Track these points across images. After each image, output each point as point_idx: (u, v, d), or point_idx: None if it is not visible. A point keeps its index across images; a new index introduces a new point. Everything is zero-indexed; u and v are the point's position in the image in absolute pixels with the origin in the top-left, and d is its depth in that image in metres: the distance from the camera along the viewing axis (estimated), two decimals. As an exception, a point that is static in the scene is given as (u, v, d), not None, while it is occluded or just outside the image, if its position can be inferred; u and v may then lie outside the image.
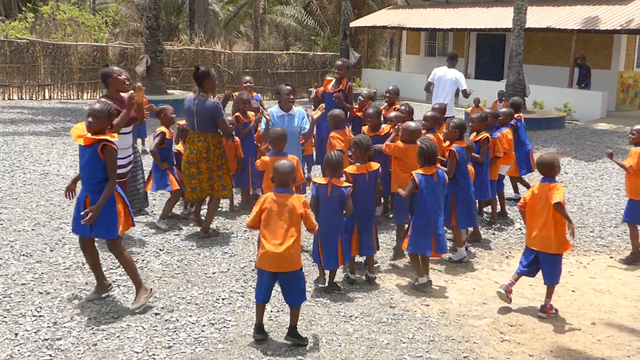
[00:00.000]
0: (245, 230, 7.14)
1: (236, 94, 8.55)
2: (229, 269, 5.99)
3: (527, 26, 16.45)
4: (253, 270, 5.86)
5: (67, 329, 4.66)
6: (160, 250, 6.43)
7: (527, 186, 8.35)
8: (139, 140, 10.97)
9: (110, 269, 5.77)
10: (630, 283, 6.11)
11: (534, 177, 9.49)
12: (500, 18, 20.99)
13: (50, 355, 4.29)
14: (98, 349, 4.40)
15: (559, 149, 13.36)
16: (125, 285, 5.44)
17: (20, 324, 4.72)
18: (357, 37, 27.17)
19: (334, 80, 8.74)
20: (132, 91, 6.10)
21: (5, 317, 4.82)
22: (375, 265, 6.09)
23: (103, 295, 5.21)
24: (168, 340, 4.57)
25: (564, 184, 8.94)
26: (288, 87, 7.16)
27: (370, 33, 28.00)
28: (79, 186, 5.07)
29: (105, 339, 4.55)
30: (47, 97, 19.12)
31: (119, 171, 5.52)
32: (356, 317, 5.05)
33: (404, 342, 4.68)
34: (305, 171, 8.92)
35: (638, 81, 20.81)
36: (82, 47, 19.83)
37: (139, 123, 7.00)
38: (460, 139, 6.52)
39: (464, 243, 6.52)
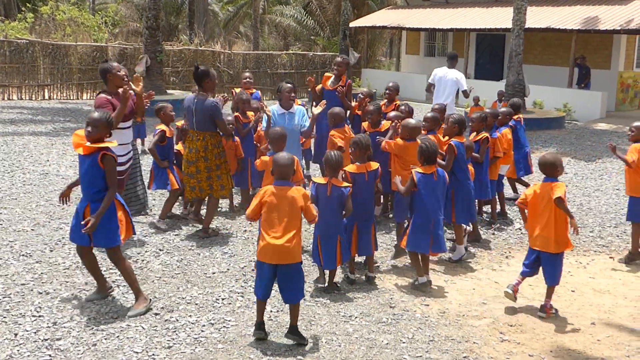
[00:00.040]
0: (245, 230, 7.14)
1: (237, 90, 8.55)
2: (228, 269, 5.99)
3: (526, 26, 16.46)
4: (253, 270, 5.85)
5: (67, 329, 4.66)
6: (160, 250, 6.42)
7: (527, 185, 8.36)
8: (139, 140, 10.96)
9: (110, 269, 5.76)
10: (630, 283, 6.11)
11: (534, 178, 9.50)
12: (499, 18, 20.99)
13: (49, 356, 4.28)
14: (98, 349, 4.40)
15: (559, 149, 13.36)
16: (125, 285, 5.43)
17: (20, 324, 4.71)
18: (357, 37, 27.18)
19: (333, 77, 8.68)
20: (125, 86, 6.08)
21: (4, 317, 4.82)
22: (375, 265, 6.10)
23: (103, 296, 5.21)
24: (168, 340, 4.56)
25: (563, 184, 8.92)
26: (289, 85, 7.14)
27: (370, 33, 28.00)
28: (74, 193, 5.05)
29: (105, 339, 4.55)
30: (46, 97, 19.12)
31: (118, 168, 5.53)
32: (356, 317, 5.05)
33: (403, 342, 4.68)
34: (304, 165, 8.89)
35: (638, 81, 20.83)
36: (81, 47, 19.83)
37: (139, 116, 6.98)
38: (459, 134, 6.52)
39: (464, 241, 6.51)
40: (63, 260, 6.00)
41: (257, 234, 5.53)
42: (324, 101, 7.32)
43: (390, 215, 7.65)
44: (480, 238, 7.12)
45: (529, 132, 13.52)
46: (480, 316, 5.22)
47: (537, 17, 19.64)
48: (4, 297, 5.16)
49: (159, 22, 17.59)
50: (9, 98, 18.50)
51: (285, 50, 30.80)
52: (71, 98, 19.53)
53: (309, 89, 9.01)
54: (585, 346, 4.78)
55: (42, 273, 5.70)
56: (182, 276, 5.79)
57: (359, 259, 6.08)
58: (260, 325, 4.60)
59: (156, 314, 4.96)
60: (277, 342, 4.58)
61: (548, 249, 5.20)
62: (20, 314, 4.88)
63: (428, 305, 5.39)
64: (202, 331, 4.72)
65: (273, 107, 7.09)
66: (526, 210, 5.43)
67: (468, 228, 6.98)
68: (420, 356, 4.50)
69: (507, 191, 8.64)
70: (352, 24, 24.54)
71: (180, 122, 7.47)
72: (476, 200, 7.07)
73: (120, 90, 6.14)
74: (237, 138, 7.59)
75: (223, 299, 5.30)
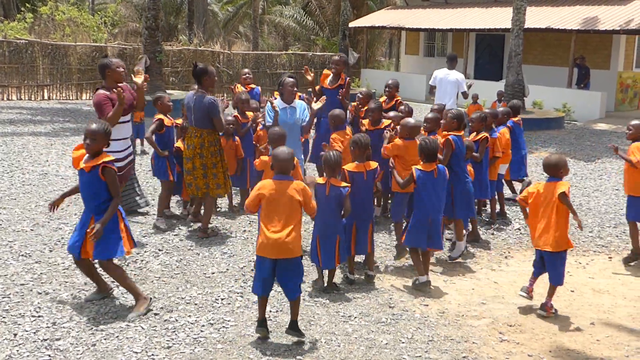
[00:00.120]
0: (245, 230, 7.14)
1: (238, 86, 8.52)
2: (228, 269, 5.99)
3: (526, 26, 16.47)
4: (252, 270, 5.85)
5: (66, 329, 4.66)
6: (159, 250, 6.42)
7: (513, 191, 8.43)
8: (138, 141, 10.96)
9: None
10: (629, 283, 6.12)
11: (533, 179, 9.50)
12: (499, 18, 21.00)
13: (49, 356, 4.28)
14: (97, 349, 4.40)
15: (558, 149, 13.36)
16: (124, 286, 5.43)
17: (19, 324, 4.71)
18: (356, 38, 27.20)
19: (332, 75, 8.61)
20: (119, 89, 6.08)
21: (4, 317, 4.82)
22: (375, 265, 6.09)
23: (102, 296, 5.21)
24: (167, 340, 4.56)
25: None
26: (291, 79, 7.11)
27: (369, 33, 28.01)
28: (71, 203, 5.06)
29: (105, 339, 4.55)
30: (46, 97, 19.11)
31: (118, 164, 5.53)
32: (355, 317, 5.05)
33: (403, 342, 4.68)
34: (302, 159, 8.85)
35: (637, 81, 20.84)
36: (81, 47, 19.82)
37: (139, 111, 6.98)
38: (458, 130, 6.52)
39: (463, 237, 6.51)
40: (62, 261, 6.00)
41: (257, 234, 5.53)
42: (323, 97, 7.31)
43: (389, 215, 7.65)
44: (479, 238, 7.12)
45: (529, 132, 13.54)
46: (480, 316, 5.23)
47: (537, 17, 19.65)
48: (3, 298, 5.16)
49: (158, 22, 17.59)
50: (8, 98, 18.49)
51: (284, 50, 30.80)
52: (70, 98, 19.52)
53: (309, 89, 8.98)
54: (585, 346, 4.78)
55: (41, 273, 5.69)
56: (182, 276, 5.79)
57: (359, 258, 6.09)
58: (262, 322, 4.60)
59: (155, 314, 4.96)
60: (276, 342, 4.59)
61: (548, 248, 5.21)
62: (20, 314, 4.88)
63: (427, 305, 5.39)
64: (202, 331, 4.72)
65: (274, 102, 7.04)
66: (527, 208, 5.44)
67: (467, 228, 6.98)
68: (420, 356, 4.50)
69: (506, 191, 8.65)
70: (351, 24, 24.55)
71: (180, 120, 7.49)
72: (475, 200, 7.07)
73: (122, 85, 6.15)
74: (237, 138, 7.59)
75: (222, 299, 5.30)
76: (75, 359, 4.27)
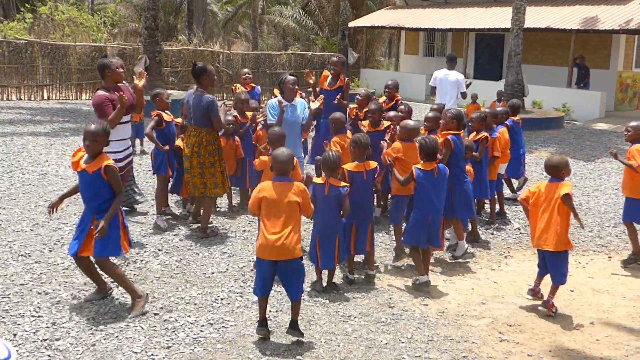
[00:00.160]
0: (244, 230, 7.14)
1: (238, 87, 8.51)
2: (227, 269, 5.99)
3: (525, 26, 16.47)
4: (252, 270, 5.85)
5: (66, 329, 4.66)
6: (159, 250, 6.42)
7: (512, 190, 8.43)
8: (137, 141, 10.96)
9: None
10: (629, 283, 6.12)
11: (532, 179, 9.50)
12: (499, 18, 21.00)
13: (49, 356, 4.28)
14: (97, 349, 4.40)
15: (558, 149, 13.36)
16: (124, 286, 5.44)
17: (19, 324, 4.71)
18: (356, 37, 27.18)
19: (330, 76, 8.62)
20: (122, 93, 6.07)
21: (4, 317, 4.82)
22: (375, 265, 6.09)
23: (102, 296, 5.21)
24: (167, 340, 4.56)
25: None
26: (293, 77, 7.11)
27: (369, 33, 28.00)
28: (71, 203, 5.07)
29: (104, 339, 4.55)
30: (45, 97, 19.10)
31: (117, 165, 5.54)
32: (355, 317, 5.05)
33: (402, 342, 4.68)
34: (302, 157, 8.83)
35: (637, 81, 20.84)
36: (80, 47, 19.81)
37: (138, 112, 6.97)
38: (457, 129, 6.52)
39: (464, 236, 6.51)
40: (62, 261, 6.00)
41: (256, 234, 5.53)
42: (321, 96, 7.30)
43: (389, 217, 7.64)
44: (479, 238, 7.12)
45: (528, 132, 13.54)
46: (479, 316, 5.23)
47: (536, 17, 19.65)
48: (3, 298, 5.16)
49: (157, 22, 17.58)
50: (8, 98, 18.48)
51: (284, 50, 30.79)
52: (70, 98, 19.51)
53: (309, 89, 8.98)
54: (584, 346, 4.78)
55: (41, 273, 5.69)
56: (181, 276, 5.79)
57: (358, 258, 6.09)
58: (263, 322, 4.60)
59: (155, 314, 4.96)
60: (276, 342, 4.59)
61: (549, 247, 5.21)
62: (19, 314, 4.88)
63: (427, 305, 5.39)
64: (201, 331, 4.72)
65: (274, 100, 7.04)
66: (528, 207, 5.45)
67: (467, 228, 6.97)
68: (419, 356, 4.50)
69: (506, 191, 8.65)
70: (351, 24, 24.54)
71: (179, 119, 7.49)
72: (475, 200, 7.07)
73: (119, 85, 6.15)
74: (237, 138, 7.59)
75: (222, 299, 5.30)
76: (75, 359, 4.28)
